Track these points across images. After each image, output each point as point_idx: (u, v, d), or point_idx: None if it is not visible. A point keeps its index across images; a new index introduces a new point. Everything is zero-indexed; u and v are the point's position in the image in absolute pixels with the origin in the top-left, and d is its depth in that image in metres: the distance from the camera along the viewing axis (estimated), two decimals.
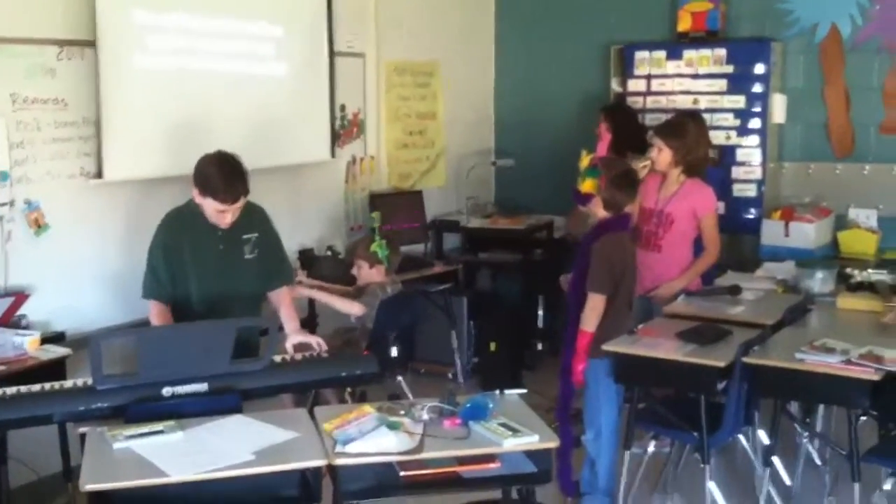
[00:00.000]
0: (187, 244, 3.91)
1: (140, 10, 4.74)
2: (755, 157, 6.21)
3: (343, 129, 6.13)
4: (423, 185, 6.78)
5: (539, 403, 5.23)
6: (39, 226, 4.45)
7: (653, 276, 4.76)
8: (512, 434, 2.97)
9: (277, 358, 3.64)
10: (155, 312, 3.91)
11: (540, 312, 6.59)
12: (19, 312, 4.31)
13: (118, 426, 3.08)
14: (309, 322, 5.10)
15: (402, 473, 2.97)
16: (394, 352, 4.94)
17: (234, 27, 5.24)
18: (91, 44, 4.52)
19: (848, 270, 4.81)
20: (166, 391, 3.24)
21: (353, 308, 4.84)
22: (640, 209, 4.84)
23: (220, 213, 3.82)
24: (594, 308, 4.12)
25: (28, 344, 4.06)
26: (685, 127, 4.96)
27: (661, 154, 4.86)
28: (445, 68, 6.94)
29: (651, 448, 4.31)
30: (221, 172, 3.79)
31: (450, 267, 6.40)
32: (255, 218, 4.04)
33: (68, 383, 3.43)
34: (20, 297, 4.32)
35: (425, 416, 3.10)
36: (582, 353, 4.12)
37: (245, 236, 3.98)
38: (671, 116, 5.57)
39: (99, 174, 4.62)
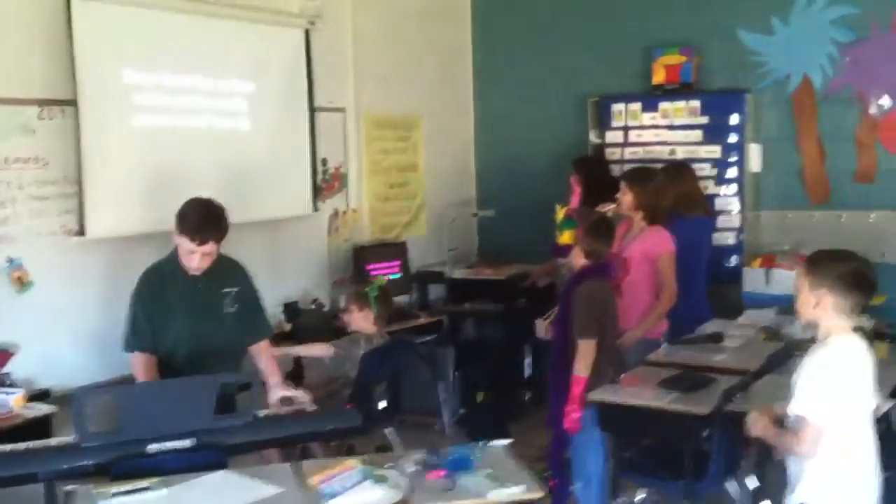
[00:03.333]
0: (167, 297, 3.92)
1: (120, 69, 4.79)
2: (734, 205, 6.30)
3: (325, 183, 6.17)
4: (406, 236, 6.81)
5: (526, 453, 5.22)
6: (23, 283, 4.45)
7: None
8: (498, 485, 2.97)
9: (262, 413, 3.63)
10: (138, 364, 3.89)
11: (526, 361, 6.59)
12: (4, 370, 4.30)
13: (104, 484, 3.06)
14: (294, 375, 5.09)
15: None
16: (382, 404, 4.93)
17: (212, 84, 5.29)
18: (71, 103, 4.56)
19: None
20: (151, 448, 3.24)
21: (318, 350, 4.85)
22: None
23: (190, 255, 3.84)
24: (585, 354, 4.16)
25: (13, 402, 4.06)
26: (650, 175, 5.07)
27: (624, 197, 4.96)
28: (426, 121, 7.02)
29: (639, 497, 4.30)
30: (198, 213, 3.84)
31: (434, 317, 6.42)
32: (234, 272, 4.07)
33: (53, 441, 3.43)
34: (4, 354, 4.32)
35: (411, 469, 3.10)
36: (577, 399, 4.11)
37: (225, 290, 4.00)
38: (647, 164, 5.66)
39: (81, 231, 4.64)
